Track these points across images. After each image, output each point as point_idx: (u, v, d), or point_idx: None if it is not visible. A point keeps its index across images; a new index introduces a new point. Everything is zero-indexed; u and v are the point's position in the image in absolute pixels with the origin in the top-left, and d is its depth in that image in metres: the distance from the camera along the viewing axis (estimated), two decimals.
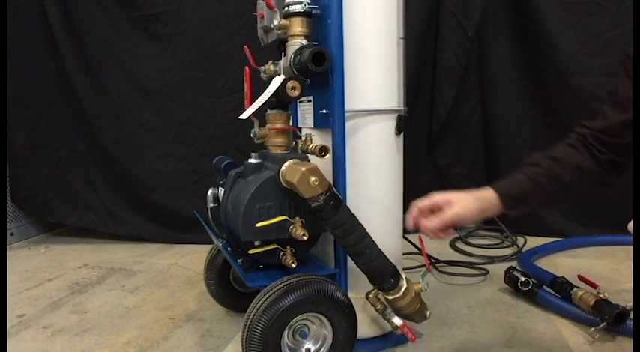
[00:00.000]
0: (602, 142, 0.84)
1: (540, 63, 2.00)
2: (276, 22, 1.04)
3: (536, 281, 1.37)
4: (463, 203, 0.86)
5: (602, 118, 0.85)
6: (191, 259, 1.89)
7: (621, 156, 0.83)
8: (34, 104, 2.11)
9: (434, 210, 0.88)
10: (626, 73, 0.81)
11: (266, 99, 1.03)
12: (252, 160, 1.07)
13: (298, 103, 1.22)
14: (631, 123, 0.79)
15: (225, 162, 1.20)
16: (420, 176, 2.17)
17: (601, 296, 1.20)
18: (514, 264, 1.63)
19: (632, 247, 0.78)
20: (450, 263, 1.73)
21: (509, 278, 1.43)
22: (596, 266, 1.67)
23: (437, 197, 0.89)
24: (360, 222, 0.97)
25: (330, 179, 1.00)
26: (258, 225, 0.97)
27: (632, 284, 0.76)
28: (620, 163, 0.85)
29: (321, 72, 0.99)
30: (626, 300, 1.20)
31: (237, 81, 1.97)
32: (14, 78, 2.08)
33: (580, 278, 1.34)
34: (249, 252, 1.01)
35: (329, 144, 1.04)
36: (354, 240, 0.95)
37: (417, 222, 0.89)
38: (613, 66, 0.80)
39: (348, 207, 0.96)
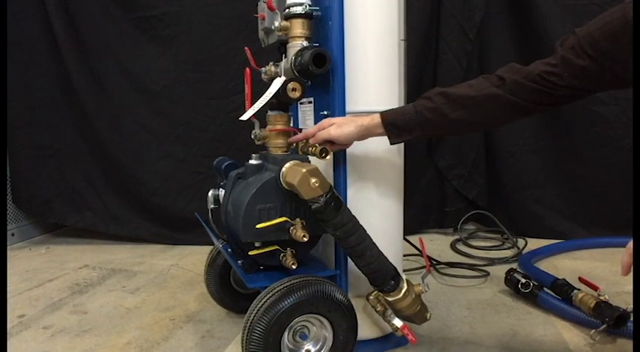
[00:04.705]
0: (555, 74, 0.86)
1: None
2: (277, 24, 1.04)
3: (536, 283, 1.37)
4: (341, 128, 0.97)
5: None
6: (192, 260, 1.89)
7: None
8: (35, 105, 2.11)
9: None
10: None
11: (267, 100, 1.03)
12: (252, 161, 1.07)
13: (299, 105, 1.22)
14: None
15: (225, 164, 1.20)
16: (421, 177, 2.17)
17: (602, 298, 1.20)
18: (515, 265, 1.63)
19: None
20: (450, 264, 1.73)
21: (510, 280, 1.43)
22: (597, 268, 1.67)
23: (324, 121, 1.00)
24: (361, 223, 0.97)
25: (330, 180, 1.00)
26: (258, 226, 0.97)
27: (632, 287, 0.76)
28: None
29: (322, 73, 0.99)
30: (627, 302, 1.20)
31: (238, 82, 1.97)
32: (15, 79, 2.08)
33: (581, 280, 1.34)
34: (250, 253, 1.01)
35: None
36: (355, 242, 0.95)
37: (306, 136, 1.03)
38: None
39: (348, 209, 0.96)
